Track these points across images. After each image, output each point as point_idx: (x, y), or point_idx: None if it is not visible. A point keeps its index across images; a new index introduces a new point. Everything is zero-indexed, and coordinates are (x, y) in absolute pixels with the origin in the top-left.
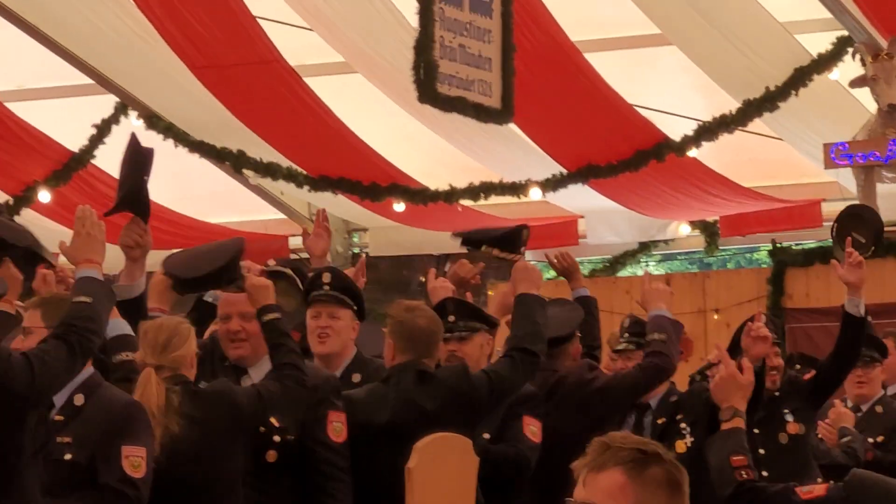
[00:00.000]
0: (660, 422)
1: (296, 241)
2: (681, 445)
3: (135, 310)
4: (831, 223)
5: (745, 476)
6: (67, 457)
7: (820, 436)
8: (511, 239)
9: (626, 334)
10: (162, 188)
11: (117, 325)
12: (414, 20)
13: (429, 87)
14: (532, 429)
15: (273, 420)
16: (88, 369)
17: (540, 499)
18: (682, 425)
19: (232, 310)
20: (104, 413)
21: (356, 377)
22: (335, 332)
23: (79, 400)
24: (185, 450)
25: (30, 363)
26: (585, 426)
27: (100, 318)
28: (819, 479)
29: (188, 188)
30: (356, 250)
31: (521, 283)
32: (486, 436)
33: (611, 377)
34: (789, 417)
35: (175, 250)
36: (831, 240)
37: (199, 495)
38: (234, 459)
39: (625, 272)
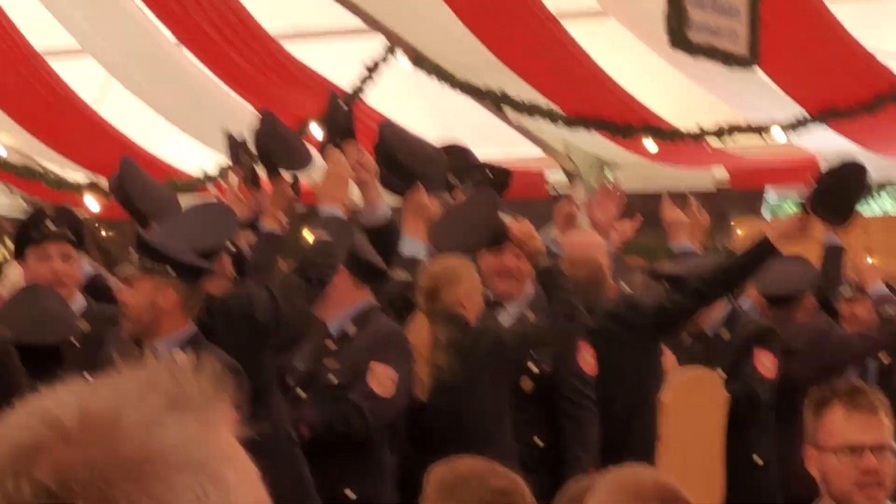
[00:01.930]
0: (886, 362)
1: (554, 176)
2: None
3: (386, 237)
4: None
5: None
6: (333, 381)
7: None
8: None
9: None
10: (427, 123)
11: (411, 245)
12: None
13: (680, 34)
14: (765, 363)
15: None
16: (366, 300)
17: (778, 434)
18: None
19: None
20: (369, 338)
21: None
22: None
23: (351, 330)
24: (451, 383)
25: (273, 296)
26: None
27: (338, 254)
28: None
29: (452, 124)
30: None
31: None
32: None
33: (851, 335)
34: None
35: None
36: None
37: (469, 429)
38: (499, 392)
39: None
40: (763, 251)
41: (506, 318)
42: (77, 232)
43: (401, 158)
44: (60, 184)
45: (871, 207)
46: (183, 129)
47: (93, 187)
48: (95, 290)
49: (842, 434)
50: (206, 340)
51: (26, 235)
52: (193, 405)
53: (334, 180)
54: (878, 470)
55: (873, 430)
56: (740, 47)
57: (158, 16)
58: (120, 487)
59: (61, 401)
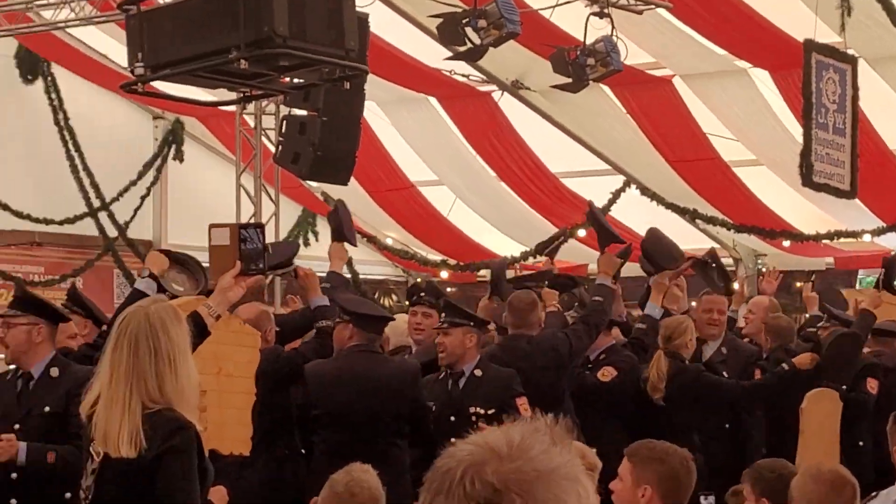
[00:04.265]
0: None
1: (725, 261)
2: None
3: None
4: None
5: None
6: None
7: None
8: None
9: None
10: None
11: (650, 307)
12: (801, 139)
13: (808, 178)
14: (872, 385)
15: None
16: (611, 341)
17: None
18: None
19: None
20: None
21: None
22: None
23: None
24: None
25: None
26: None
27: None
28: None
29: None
30: (760, 268)
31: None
32: None
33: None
34: None
35: None
36: None
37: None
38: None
39: None
40: (871, 319)
41: (708, 350)
42: (439, 297)
43: (653, 252)
44: (425, 262)
45: None
46: (505, 230)
47: (444, 263)
48: None
49: None
50: None
51: (409, 298)
52: (562, 442)
53: (608, 261)
54: None
55: None
56: (846, 185)
57: (485, 160)
58: (536, 487)
59: (493, 437)
